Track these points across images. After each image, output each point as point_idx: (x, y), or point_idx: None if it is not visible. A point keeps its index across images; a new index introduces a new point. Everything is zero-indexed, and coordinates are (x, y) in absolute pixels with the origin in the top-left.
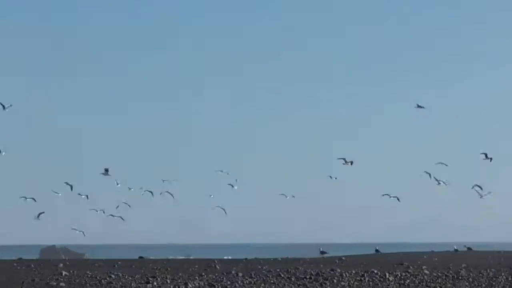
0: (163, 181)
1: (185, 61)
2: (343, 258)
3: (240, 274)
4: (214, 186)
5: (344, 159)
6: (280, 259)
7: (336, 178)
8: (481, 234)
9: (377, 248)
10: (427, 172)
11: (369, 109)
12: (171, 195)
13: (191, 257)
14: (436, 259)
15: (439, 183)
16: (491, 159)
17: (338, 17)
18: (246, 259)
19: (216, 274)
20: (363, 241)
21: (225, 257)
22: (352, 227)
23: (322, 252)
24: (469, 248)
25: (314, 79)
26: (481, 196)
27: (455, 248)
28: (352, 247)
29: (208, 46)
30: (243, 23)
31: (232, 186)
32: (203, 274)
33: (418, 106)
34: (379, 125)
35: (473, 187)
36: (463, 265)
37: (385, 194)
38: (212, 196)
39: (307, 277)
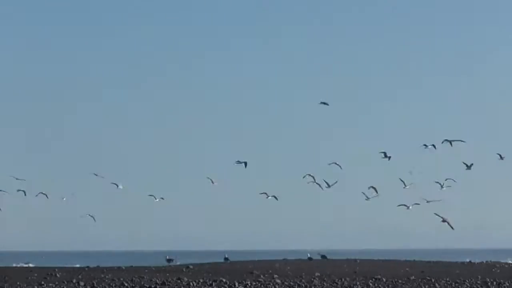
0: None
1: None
2: (191, 266)
3: (82, 284)
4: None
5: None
6: (124, 267)
7: (215, 183)
8: (337, 241)
9: (226, 256)
10: (311, 175)
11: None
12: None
13: (30, 265)
14: (288, 267)
15: (328, 186)
16: (389, 157)
17: None
18: (88, 267)
19: (56, 283)
20: (212, 248)
21: (67, 265)
22: (202, 232)
23: (169, 260)
24: (323, 256)
25: None
26: (367, 198)
27: (309, 256)
28: (200, 255)
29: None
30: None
31: (117, 186)
32: (42, 283)
33: (322, 103)
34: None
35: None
36: (317, 274)
37: (263, 193)
38: (64, 199)
39: (152, 286)
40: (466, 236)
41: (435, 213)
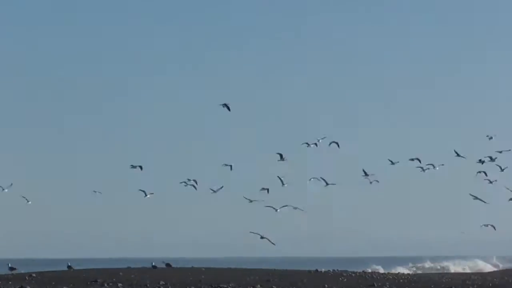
0: None
1: None
2: (34, 274)
3: None
4: None
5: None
6: None
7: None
8: (183, 249)
9: (69, 264)
10: (188, 181)
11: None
12: None
13: None
14: (133, 275)
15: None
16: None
17: None
18: None
19: None
20: (55, 256)
21: None
22: (44, 240)
23: (11, 268)
24: (168, 264)
25: None
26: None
27: (153, 264)
28: (44, 263)
29: None
30: None
31: None
32: None
33: (224, 105)
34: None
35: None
36: (162, 282)
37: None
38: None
39: None
40: (313, 244)
41: (251, 231)
